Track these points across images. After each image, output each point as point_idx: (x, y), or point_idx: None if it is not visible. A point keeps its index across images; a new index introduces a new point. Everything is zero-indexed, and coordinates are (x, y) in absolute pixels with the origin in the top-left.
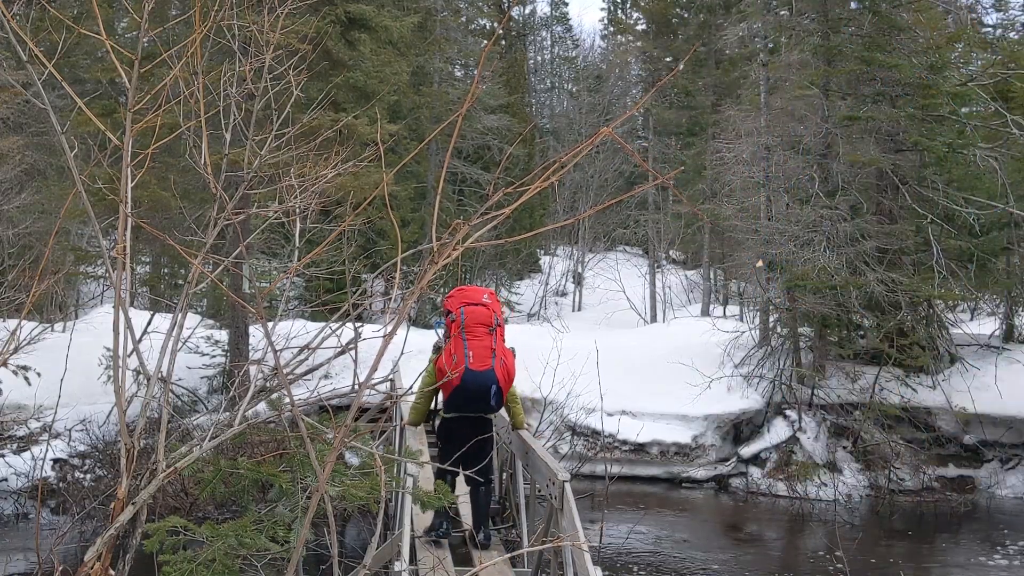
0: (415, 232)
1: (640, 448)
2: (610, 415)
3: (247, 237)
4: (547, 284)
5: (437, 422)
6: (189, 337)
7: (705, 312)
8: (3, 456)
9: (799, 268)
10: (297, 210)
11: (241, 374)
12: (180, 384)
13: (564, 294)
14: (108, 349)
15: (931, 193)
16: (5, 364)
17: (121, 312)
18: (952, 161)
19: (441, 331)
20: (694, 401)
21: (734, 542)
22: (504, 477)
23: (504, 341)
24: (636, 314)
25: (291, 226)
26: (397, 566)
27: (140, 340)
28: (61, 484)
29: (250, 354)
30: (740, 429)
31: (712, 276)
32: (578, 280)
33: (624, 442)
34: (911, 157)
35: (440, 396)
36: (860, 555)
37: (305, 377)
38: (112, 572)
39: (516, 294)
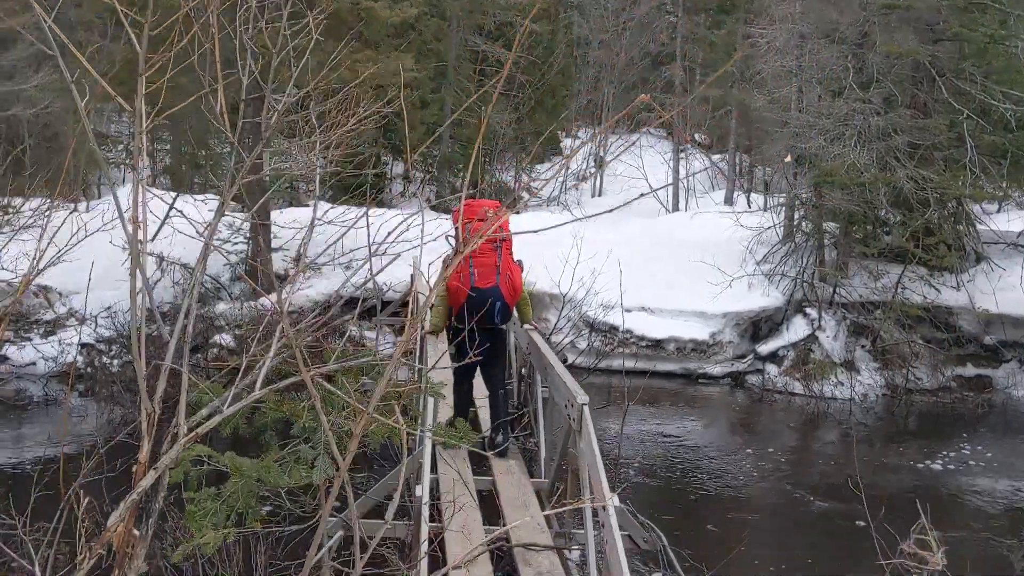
0: (435, 113)
1: (657, 344)
2: (628, 311)
3: (267, 131)
4: (568, 168)
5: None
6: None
7: (729, 200)
8: (31, 341)
9: (828, 163)
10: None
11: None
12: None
13: (585, 179)
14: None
15: (968, 86)
16: (28, 287)
17: (139, 194)
18: (992, 53)
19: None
20: (714, 299)
21: (747, 439)
22: (522, 386)
23: (512, 255)
24: (658, 202)
25: (311, 110)
26: (418, 490)
27: (163, 225)
28: (88, 369)
29: (272, 241)
30: (759, 327)
31: (737, 161)
32: (599, 164)
33: (641, 338)
34: (950, 48)
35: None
36: (872, 453)
37: (325, 266)
38: (136, 532)
39: (535, 179)
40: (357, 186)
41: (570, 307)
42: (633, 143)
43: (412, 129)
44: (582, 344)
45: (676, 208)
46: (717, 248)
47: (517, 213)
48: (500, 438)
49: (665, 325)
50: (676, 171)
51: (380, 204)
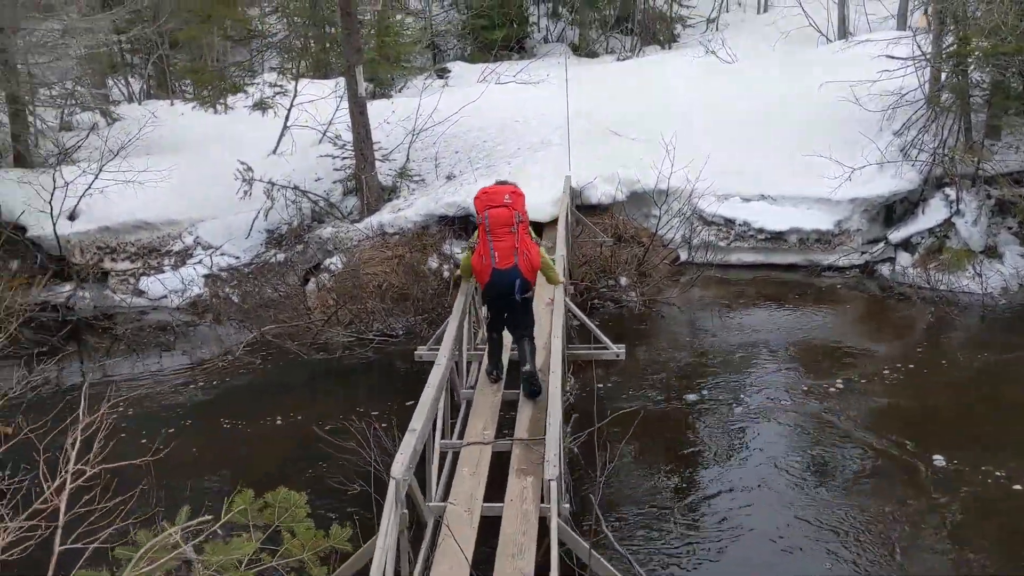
0: None
1: (778, 236)
2: (746, 200)
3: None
4: None
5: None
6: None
7: (904, 16)
8: (162, 274)
9: (971, 24)
10: None
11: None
12: (314, 193)
13: None
14: (242, 163)
15: None
16: None
17: None
18: None
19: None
20: (840, 183)
21: (867, 335)
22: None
23: (529, 234)
24: (816, 30)
25: None
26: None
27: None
28: (214, 300)
29: (375, 155)
30: (893, 209)
31: None
32: None
33: (760, 231)
34: None
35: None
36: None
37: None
38: None
39: (688, 7)
40: (492, 42)
41: (681, 199)
42: None
43: None
44: (695, 241)
45: (843, 29)
46: (853, 115)
47: (668, 47)
48: (529, 366)
49: (787, 215)
50: None
51: (522, 50)
